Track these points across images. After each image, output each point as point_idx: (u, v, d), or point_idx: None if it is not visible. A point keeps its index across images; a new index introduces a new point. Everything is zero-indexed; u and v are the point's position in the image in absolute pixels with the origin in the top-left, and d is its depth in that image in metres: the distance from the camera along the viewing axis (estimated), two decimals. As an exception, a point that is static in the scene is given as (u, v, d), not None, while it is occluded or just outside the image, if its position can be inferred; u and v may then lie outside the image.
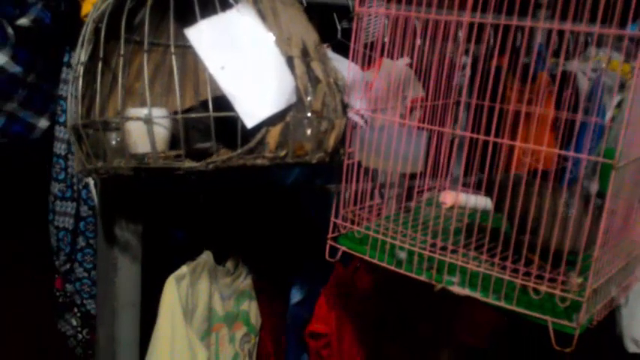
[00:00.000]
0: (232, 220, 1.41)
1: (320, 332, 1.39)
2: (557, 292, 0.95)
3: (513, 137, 1.28)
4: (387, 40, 1.41)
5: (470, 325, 1.55)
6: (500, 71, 1.51)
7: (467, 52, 1.62)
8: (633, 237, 1.22)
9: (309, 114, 0.93)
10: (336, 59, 1.25)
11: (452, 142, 1.39)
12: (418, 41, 1.38)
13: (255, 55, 0.91)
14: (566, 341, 0.93)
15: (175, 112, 0.99)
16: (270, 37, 0.92)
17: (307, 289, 1.46)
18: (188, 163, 0.91)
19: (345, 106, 1.04)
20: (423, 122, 1.39)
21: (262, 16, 0.93)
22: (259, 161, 0.91)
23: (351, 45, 1.06)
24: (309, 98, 0.93)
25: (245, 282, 1.40)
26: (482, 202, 1.16)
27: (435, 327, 1.55)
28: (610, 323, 1.40)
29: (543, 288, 0.96)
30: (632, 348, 1.39)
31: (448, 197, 1.20)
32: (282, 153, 0.92)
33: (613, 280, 1.05)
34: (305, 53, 0.95)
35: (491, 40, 1.52)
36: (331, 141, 0.99)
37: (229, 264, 1.39)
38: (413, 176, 1.30)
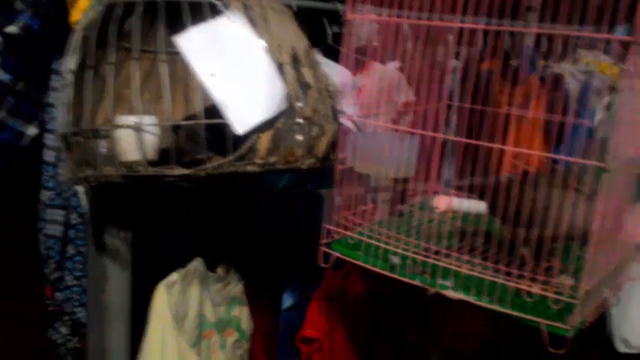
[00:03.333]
0: (223, 226, 1.40)
1: (312, 337, 1.39)
2: (551, 294, 0.96)
3: (504, 140, 1.28)
4: (377, 44, 1.42)
5: (459, 331, 1.55)
6: (491, 74, 1.52)
7: (457, 55, 1.63)
8: (624, 238, 1.23)
9: (299, 120, 0.93)
10: (326, 64, 1.25)
11: (443, 145, 1.39)
12: (408, 45, 1.38)
13: (245, 63, 0.91)
14: (558, 343, 0.93)
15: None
16: (261, 44, 0.91)
17: (299, 295, 1.45)
18: (178, 171, 0.91)
19: (335, 112, 1.04)
20: (415, 126, 1.40)
21: (253, 23, 0.93)
22: (250, 168, 0.91)
23: (342, 50, 1.06)
24: (299, 104, 0.93)
25: (236, 288, 1.39)
26: (475, 205, 1.16)
27: (425, 332, 1.55)
28: (600, 323, 1.40)
29: (537, 290, 0.97)
30: (622, 348, 1.40)
31: (441, 202, 1.20)
32: (273, 159, 0.91)
33: (605, 281, 1.05)
34: (295, 60, 0.95)
35: (482, 44, 1.53)
36: (322, 147, 0.99)
37: (220, 270, 1.38)
38: (404, 180, 1.30)
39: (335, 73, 1.25)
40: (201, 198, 1.36)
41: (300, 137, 0.94)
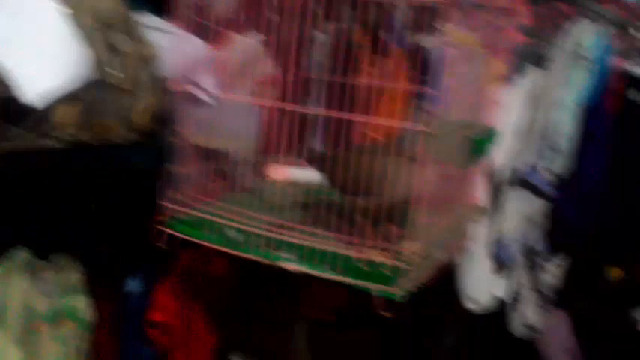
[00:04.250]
0: (60, 209, 1.29)
1: (160, 320, 1.33)
2: (383, 259, 0.97)
3: (364, 111, 1.28)
4: (239, 15, 1.35)
5: (317, 302, 1.56)
6: (357, 47, 1.51)
7: (323, 28, 1.61)
8: (465, 200, 1.27)
9: (112, 90, 0.84)
10: (179, 35, 1.17)
11: (305, 118, 1.37)
12: (271, 16, 1.33)
13: (41, 27, 0.81)
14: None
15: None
16: (56, 6, 0.81)
17: (145, 278, 1.38)
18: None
19: (160, 81, 0.96)
20: (274, 98, 1.36)
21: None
22: (54, 143, 0.81)
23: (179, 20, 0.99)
24: (112, 72, 0.84)
25: (74, 275, 1.29)
26: (312, 175, 1.15)
27: (286, 306, 1.55)
28: (449, 284, 1.46)
29: (370, 256, 0.97)
30: (470, 306, 1.46)
31: (275, 172, 1.17)
32: (83, 134, 0.83)
33: (439, 243, 1.08)
34: (105, 24, 0.86)
35: (348, 16, 1.51)
36: (143, 119, 0.91)
37: (56, 258, 1.27)
38: (255, 153, 1.27)
39: (189, 44, 1.18)
40: (31, 180, 1.24)
41: (114, 109, 0.86)
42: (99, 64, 0.85)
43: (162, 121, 0.99)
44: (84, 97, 0.84)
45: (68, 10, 0.83)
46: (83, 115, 0.84)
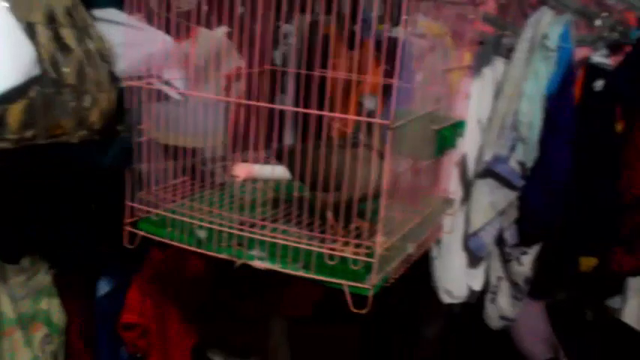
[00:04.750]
0: (28, 212, 1.26)
1: (133, 323, 1.31)
2: (349, 254, 0.95)
3: (333, 105, 1.27)
4: (205, 7, 1.33)
5: (295, 300, 1.55)
6: (325, 39, 1.50)
7: (291, 20, 1.59)
8: (436, 193, 1.27)
9: (61, 88, 0.82)
10: (145, 29, 1.15)
11: (271, 112, 1.35)
12: (237, 7, 1.31)
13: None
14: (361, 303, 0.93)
15: None
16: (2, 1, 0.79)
17: (117, 280, 1.36)
18: None
19: (114, 78, 0.94)
20: (242, 94, 1.34)
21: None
22: (5, 144, 0.79)
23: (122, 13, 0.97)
24: (62, 70, 0.83)
25: (44, 278, 1.27)
26: (277, 171, 1.14)
27: (264, 304, 1.53)
28: (425, 277, 1.46)
29: (342, 253, 0.96)
30: (446, 299, 1.46)
31: (241, 170, 1.16)
32: (30, 133, 0.81)
33: (408, 237, 1.07)
34: (51, 19, 0.84)
35: (317, 8, 1.50)
36: (95, 117, 0.90)
37: (25, 261, 1.25)
38: (224, 150, 1.25)
39: (154, 38, 1.16)
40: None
41: (65, 107, 0.84)
42: (43, 61, 0.83)
43: (122, 118, 0.98)
44: (26, 93, 0.82)
45: (15, 6, 0.80)
46: (28, 112, 0.82)
